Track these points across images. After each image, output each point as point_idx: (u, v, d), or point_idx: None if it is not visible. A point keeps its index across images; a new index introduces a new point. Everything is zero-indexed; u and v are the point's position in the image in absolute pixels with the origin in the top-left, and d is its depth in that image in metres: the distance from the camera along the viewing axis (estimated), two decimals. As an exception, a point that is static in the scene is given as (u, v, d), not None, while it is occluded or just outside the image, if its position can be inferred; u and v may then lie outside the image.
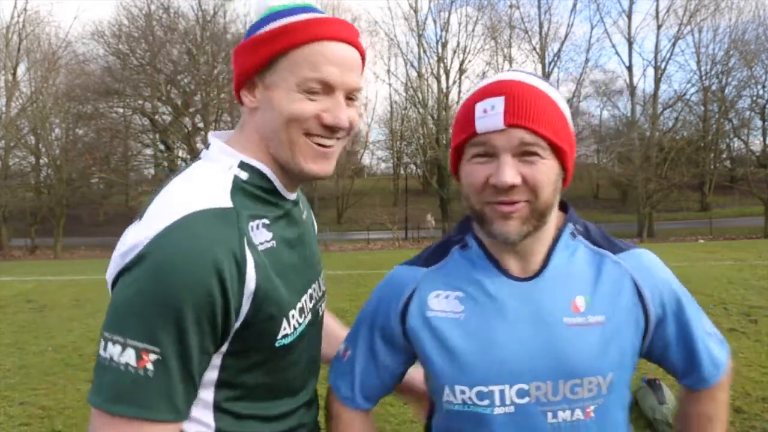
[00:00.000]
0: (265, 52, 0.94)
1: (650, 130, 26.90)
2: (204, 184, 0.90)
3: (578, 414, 0.95)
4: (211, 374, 0.90)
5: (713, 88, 27.69)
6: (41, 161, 27.46)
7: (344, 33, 0.95)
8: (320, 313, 1.13)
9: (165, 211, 0.84)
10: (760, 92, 27.34)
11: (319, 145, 0.96)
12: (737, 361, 4.81)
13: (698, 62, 27.72)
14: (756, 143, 29.91)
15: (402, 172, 33.69)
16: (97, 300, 9.09)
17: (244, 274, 0.86)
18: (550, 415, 0.94)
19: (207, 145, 1.01)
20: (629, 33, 27.52)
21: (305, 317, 1.02)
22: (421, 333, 1.00)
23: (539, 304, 0.96)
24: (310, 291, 1.05)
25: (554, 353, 0.94)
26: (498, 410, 0.94)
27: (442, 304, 0.99)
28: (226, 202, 0.89)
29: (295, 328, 0.97)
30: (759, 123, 28.26)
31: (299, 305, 1.00)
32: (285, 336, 0.95)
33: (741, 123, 28.31)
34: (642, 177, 25.13)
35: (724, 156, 30.43)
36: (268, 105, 0.95)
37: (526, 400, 0.94)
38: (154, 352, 0.78)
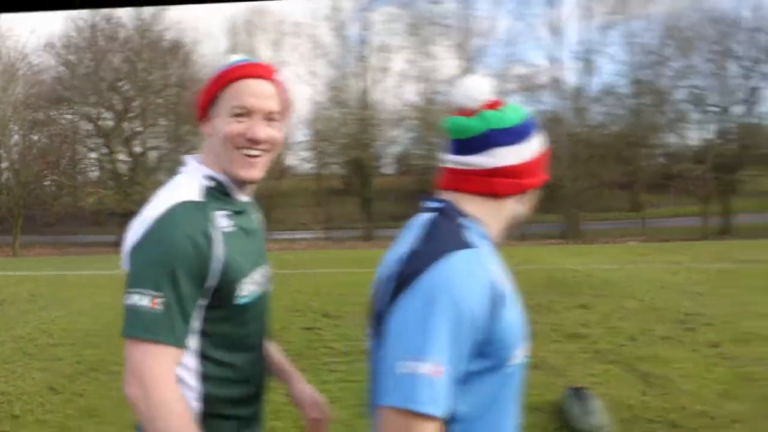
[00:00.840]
0: (211, 92, 1.28)
1: (578, 126, 25.66)
2: (184, 187, 1.24)
3: None
4: (196, 324, 1.19)
5: (646, 79, 25.91)
6: (2, 165, 30.01)
7: (260, 71, 1.26)
8: (268, 291, 1.42)
9: (159, 205, 1.18)
10: (698, 83, 25.32)
11: (248, 156, 1.26)
12: (672, 372, 4.45)
13: (630, 53, 26.00)
14: (692, 137, 27.62)
15: (324, 172, 33.74)
16: (49, 295, 9.64)
17: (213, 245, 1.17)
18: None
19: (184, 164, 1.34)
20: (555, 25, 26.21)
21: (257, 287, 1.32)
22: (504, 308, 1.00)
23: None
24: (260, 270, 1.34)
25: None
26: (523, 357, 1.08)
27: (500, 275, 1.04)
28: (200, 198, 1.23)
29: (250, 292, 1.28)
30: (695, 116, 26.20)
31: (253, 276, 1.30)
32: (243, 297, 1.25)
33: (677, 116, 26.34)
34: (570, 175, 24.15)
35: (658, 152, 28.34)
36: (214, 130, 1.27)
37: None
38: (160, 296, 1.11)
